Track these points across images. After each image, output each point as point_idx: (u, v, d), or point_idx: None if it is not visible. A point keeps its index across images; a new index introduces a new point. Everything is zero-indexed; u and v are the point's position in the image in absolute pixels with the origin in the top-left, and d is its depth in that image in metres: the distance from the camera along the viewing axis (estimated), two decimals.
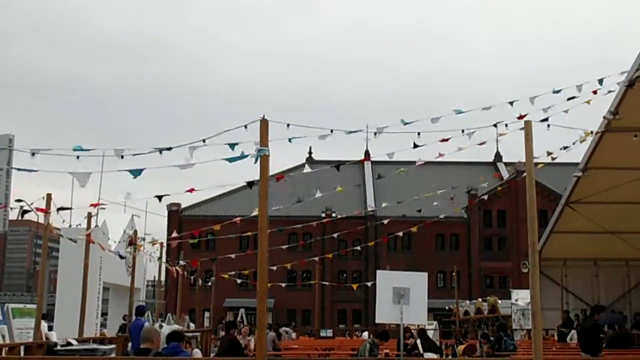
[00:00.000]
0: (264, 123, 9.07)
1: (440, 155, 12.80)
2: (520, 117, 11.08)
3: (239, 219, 20.56)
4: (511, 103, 11.95)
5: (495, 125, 11.46)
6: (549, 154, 14.88)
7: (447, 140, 11.89)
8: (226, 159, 9.53)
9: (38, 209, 16.07)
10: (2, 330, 17.23)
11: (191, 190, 11.02)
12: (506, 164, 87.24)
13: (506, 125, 11.60)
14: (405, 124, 10.67)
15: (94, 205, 16.66)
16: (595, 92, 12.77)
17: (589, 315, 27.37)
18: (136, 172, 9.96)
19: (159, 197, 12.41)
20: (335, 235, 33.19)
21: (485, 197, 18.64)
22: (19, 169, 11.04)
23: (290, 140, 9.95)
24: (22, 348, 15.50)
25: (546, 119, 11.84)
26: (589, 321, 20.84)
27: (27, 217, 17.15)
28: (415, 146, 12.39)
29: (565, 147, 14.54)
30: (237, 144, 9.45)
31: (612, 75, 12.67)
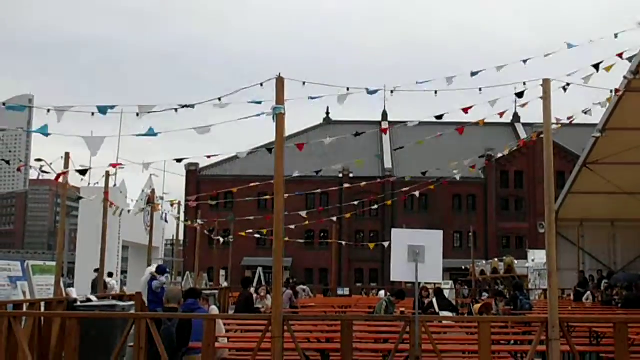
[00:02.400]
0: (279, 81, 9.04)
1: (461, 119, 12.70)
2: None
3: (255, 183, 20.60)
4: (525, 61, 11.82)
5: (519, 95, 11.32)
6: (568, 118, 14.72)
7: (467, 110, 11.79)
8: (242, 119, 9.54)
9: (56, 177, 16.16)
10: (23, 287, 17.43)
11: (210, 156, 11.02)
12: (524, 125, 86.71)
13: (524, 83, 11.48)
14: (420, 83, 10.61)
15: (113, 166, 16.77)
16: (620, 56, 12.57)
17: (605, 277, 27.48)
18: (152, 133, 9.99)
19: (178, 160, 12.49)
20: (355, 202, 33.03)
21: (502, 155, 18.51)
22: (34, 132, 11.11)
23: (311, 98, 9.90)
24: (42, 304, 15.72)
25: (566, 86, 11.66)
26: (634, 293, 20.95)
27: (46, 176, 17.27)
28: (439, 117, 12.35)
29: (586, 111, 14.36)
30: (259, 102, 9.43)
31: (627, 30, 12.44)
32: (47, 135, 10.45)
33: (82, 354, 10.77)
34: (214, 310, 13.39)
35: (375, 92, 10.65)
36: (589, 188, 25.57)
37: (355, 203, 34.18)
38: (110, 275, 26.27)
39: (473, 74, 11.06)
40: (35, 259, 27.06)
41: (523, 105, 11.74)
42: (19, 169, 15.56)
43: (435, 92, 11.07)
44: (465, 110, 11.94)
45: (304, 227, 33.63)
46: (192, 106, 9.89)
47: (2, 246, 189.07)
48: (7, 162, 15.28)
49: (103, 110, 9.64)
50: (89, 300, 16.21)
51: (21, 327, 10.99)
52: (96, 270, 24.51)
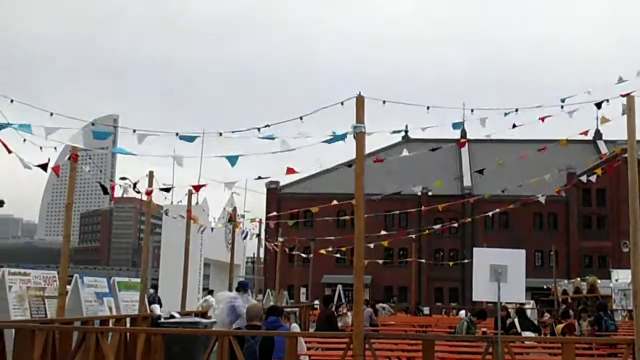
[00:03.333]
0: (359, 100, 9.13)
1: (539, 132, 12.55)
2: (624, 95, 10.75)
3: (334, 202, 20.70)
4: (620, 81, 11.58)
5: (598, 106, 11.12)
6: None
7: (544, 119, 11.64)
8: (325, 141, 9.66)
9: (147, 192, 16.56)
10: (109, 303, 17.92)
11: (291, 172, 11.18)
12: (606, 142, 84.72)
13: (607, 101, 11.28)
14: (507, 113, 10.52)
15: (196, 188, 17.14)
16: None
17: None
18: (233, 160, 10.21)
19: (261, 178, 12.69)
20: (435, 220, 32.67)
21: (584, 178, 18.25)
22: (120, 152, 11.48)
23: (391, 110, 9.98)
24: (128, 320, 16.13)
25: None
26: None
27: (131, 194, 17.73)
28: (514, 126, 12.22)
29: None
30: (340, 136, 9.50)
31: None
32: (133, 154, 10.79)
33: None
34: (296, 328, 13.50)
35: (460, 126, 10.70)
36: None
37: (433, 218, 33.99)
38: (210, 292, 26.78)
39: (562, 100, 10.88)
40: (120, 276, 27.73)
41: (603, 122, 11.48)
42: (107, 189, 15.98)
43: (516, 110, 11.00)
44: (542, 119, 11.79)
45: (383, 246, 33.62)
46: (267, 126, 10.07)
47: (88, 262, 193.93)
48: (104, 188, 15.68)
49: (189, 139, 9.95)
50: (172, 316, 16.54)
51: (108, 342, 11.29)
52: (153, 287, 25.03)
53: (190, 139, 10.02)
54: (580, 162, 68.62)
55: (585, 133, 13.02)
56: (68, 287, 15.33)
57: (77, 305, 16.11)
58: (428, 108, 10.28)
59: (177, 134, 11.01)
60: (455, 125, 10.63)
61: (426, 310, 51.38)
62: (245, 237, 29.10)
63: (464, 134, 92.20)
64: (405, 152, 12.31)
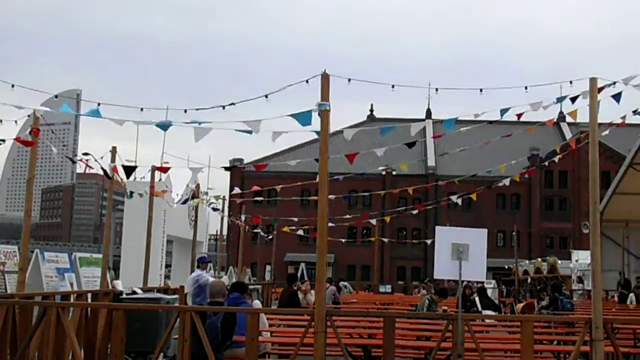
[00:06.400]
0: (324, 78, 9.09)
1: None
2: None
3: (298, 183, 20.69)
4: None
5: (558, 99, 11.15)
6: (619, 124, 14.48)
7: (520, 115, 11.66)
8: (289, 115, 9.61)
9: (111, 169, 16.40)
10: (71, 278, 17.78)
11: (261, 167, 11.11)
12: (570, 125, 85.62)
13: (570, 82, 11.35)
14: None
15: (160, 170, 17.04)
16: None
17: None
18: (198, 135, 10.12)
19: (227, 169, 12.63)
20: (398, 200, 32.66)
21: (546, 163, 18.48)
22: (87, 115, 11.28)
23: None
24: (89, 295, 16.03)
25: (613, 85, 11.44)
26: None
27: (93, 170, 17.57)
28: (476, 116, 12.23)
29: (636, 112, 14.13)
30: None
31: None
32: (99, 116, 10.59)
33: (128, 345, 10.97)
34: (258, 304, 13.53)
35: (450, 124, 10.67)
36: (635, 189, 25.21)
37: (397, 197, 34.10)
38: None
39: (525, 88, 10.92)
40: (82, 252, 27.52)
41: (573, 100, 11.54)
42: (74, 160, 15.88)
43: (481, 90, 11.04)
44: (518, 117, 11.87)
45: (346, 225, 33.76)
46: (233, 104, 10.00)
47: (50, 239, 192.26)
48: (71, 159, 15.54)
49: (164, 126, 9.87)
50: (134, 292, 16.47)
51: (69, 317, 11.22)
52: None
53: (164, 126, 9.92)
54: (544, 144, 69.40)
55: (550, 122, 13.12)
56: (28, 262, 15.19)
57: (38, 281, 15.96)
58: (393, 87, 10.29)
59: (141, 109, 10.90)
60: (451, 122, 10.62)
61: (388, 288, 51.71)
62: (212, 209, 29.01)
63: (429, 113, 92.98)
64: (379, 150, 12.31)
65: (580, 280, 39.10)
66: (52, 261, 17.10)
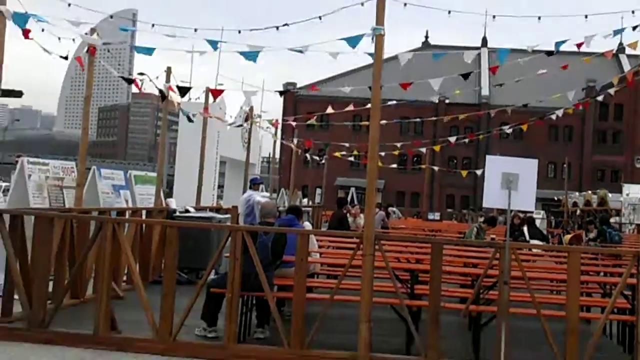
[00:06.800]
0: (380, 1, 9.02)
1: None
2: None
3: (351, 106, 20.68)
4: None
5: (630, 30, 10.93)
6: None
7: (580, 45, 11.45)
8: (342, 39, 9.60)
9: (165, 90, 16.57)
10: (126, 195, 18.17)
11: (313, 88, 11.11)
12: (629, 57, 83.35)
13: (632, 12, 11.10)
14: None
15: (214, 93, 17.15)
16: None
17: None
18: (252, 56, 10.17)
19: (281, 93, 12.66)
20: (450, 129, 32.33)
21: (601, 98, 18.11)
22: (138, 51, 11.45)
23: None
24: (144, 212, 16.44)
25: None
26: None
27: (148, 90, 17.80)
28: (550, 53, 12.01)
29: None
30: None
31: None
32: (151, 54, 10.81)
33: (181, 261, 11.31)
34: (308, 226, 13.74)
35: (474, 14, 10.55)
36: None
37: (449, 126, 33.84)
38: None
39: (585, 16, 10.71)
40: (137, 170, 28.04)
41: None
42: (130, 80, 16.11)
43: (539, 17, 10.89)
44: (579, 46, 11.67)
45: (397, 151, 33.71)
46: (286, 25, 10.03)
47: (106, 156, 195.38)
48: (126, 80, 15.76)
49: (213, 44, 9.91)
50: (187, 211, 16.84)
51: (124, 233, 11.57)
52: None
53: (214, 44, 9.98)
54: (601, 75, 67.82)
55: (609, 54, 12.87)
56: (86, 179, 15.58)
57: (94, 197, 16.37)
58: (449, 12, 10.20)
59: (195, 30, 11.00)
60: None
61: (437, 215, 51.86)
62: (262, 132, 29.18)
63: (484, 42, 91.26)
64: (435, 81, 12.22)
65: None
66: (108, 178, 17.50)
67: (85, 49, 13.11)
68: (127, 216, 15.00)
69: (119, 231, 9.84)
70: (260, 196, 16.39)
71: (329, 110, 22.05)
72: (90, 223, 11.57)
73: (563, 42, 10.91)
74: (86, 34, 12.24)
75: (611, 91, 17.22)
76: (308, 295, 9.81)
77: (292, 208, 12.02)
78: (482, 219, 19.02)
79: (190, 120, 20.79)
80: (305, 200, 46.33)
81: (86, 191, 15.25)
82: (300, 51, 9.94)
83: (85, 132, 13.80)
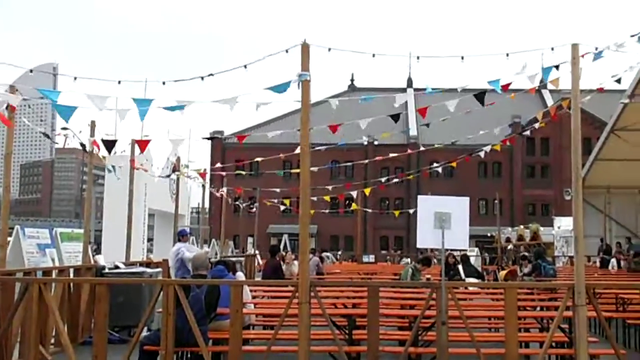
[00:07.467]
0: (304, 47, 8.98)
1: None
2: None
3: (280, 154, 20.58)
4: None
5: (557, 68, 11.03)
6: (598, 89, 14.47)
7: (507, 87, 11.56)
8: (268, 88, 9.49)
9: (91, 144, 16.20)
10: (52, 254, 17.63)
11: (242, 138, 10.98)
12: (551, 92, 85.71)
13: (552, 48, 11.28)
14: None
15: (141, 144, 16.84)
16: None
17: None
18: (179, 108, 9.97)
19: (208, 139, 12.49)
20: (381, 170, 32.60)
21: (529, 132, 18.54)
22: (57, 106, 11.12)
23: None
24: (71, 270, 15.93)
25: (595, 51, 11.35)
26: None
27: (72, 145, 17.39)
28: (481, 94, 12.06)
29: (616, 78, 14.08)
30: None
31: None
32: (70, 116, 10.48)
33: (112, 319, 10.93)
34: (241, 276, 13.50)
35: (398, 56, 10.59)
36: (617, 155, 25.36)
37: (379, 167, 34.11)
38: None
39: (507, 54, 10.83)
40: (63, 227, 27.33)
41: (557, 67, 11.44)
42: (50, 136, 15.73)
43: (462, 57, 10.96)
44: (505, 88, 11.79)
45: (328, 196, 33.72)
46: (213, 75, 9.88)
47: (30, 214, 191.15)
48: (46, 135, 15.36)
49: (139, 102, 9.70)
50: (117, 267, 16.40)
51: (51, 293, 11.14)
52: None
53: (142, 103, 9.76)
54: (525, 111, 69.49)
55: (532, 90, 13.04)
56: (9, 239, 15.04)
57: (19, 258, 15.80)
58: (374, 55, 10.21)
59: (119, 82, 10.76)
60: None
61: (371, 258, 51.90)
62: (190, 182, 28.85)
63: (410, 82, 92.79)
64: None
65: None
66: (32, 237, 16.95)
67: (5, 105, 12.71)
68: (53, 275, 14.50)
69: (45, 292, 9.46)
70: (188, 250, 16.07)
71: (258, 158, 21.92)
72: (15, 285, 11.12)
73: (497, 81, 11.01)
74: (5, 91, 11.86)
75: (536, 125, 17.50)
76: (244, 347, 9.58)
77: (221, 261, 11.83)
78: (412, 262, 19.04)
79: (116, 176, 20.39)
80: (236, 250, 45.82)
81: (10, 252, 14.70)
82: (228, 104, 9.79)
83: (7, 189, 13.36)
